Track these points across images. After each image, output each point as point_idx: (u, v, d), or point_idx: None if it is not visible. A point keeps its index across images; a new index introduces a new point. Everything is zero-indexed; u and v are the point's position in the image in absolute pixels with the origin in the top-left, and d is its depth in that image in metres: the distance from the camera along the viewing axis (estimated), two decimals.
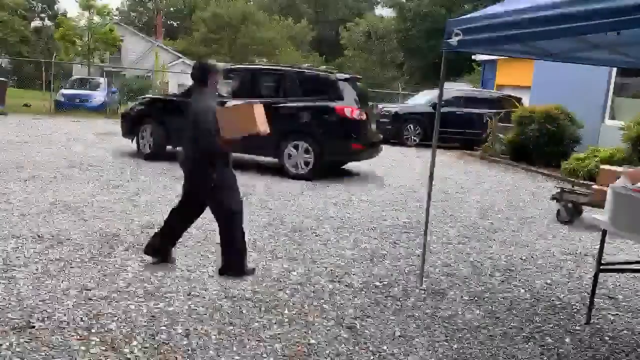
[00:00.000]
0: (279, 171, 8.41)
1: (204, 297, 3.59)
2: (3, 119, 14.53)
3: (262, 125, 3.85)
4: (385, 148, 14.31)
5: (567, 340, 3.40)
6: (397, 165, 10.98)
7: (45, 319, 3.11)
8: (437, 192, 7.83)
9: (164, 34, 45.23)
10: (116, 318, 3.18)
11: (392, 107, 16.11)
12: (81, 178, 7.24)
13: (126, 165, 8.50)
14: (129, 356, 2.79)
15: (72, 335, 2.95)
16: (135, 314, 3.25)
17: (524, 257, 5.11)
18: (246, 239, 4.08)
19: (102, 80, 21.11)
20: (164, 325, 3.14)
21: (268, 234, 5.18)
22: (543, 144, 11.59)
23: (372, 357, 2.99)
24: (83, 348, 2.82)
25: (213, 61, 4.19)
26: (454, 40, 3.58)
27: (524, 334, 3.43)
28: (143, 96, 10.89)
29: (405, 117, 15.44)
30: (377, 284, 4.11)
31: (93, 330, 3.02)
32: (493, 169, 11.64)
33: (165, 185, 7.10)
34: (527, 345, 3.28)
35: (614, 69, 12.10)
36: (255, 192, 7.14)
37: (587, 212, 6.48)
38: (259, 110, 3.86)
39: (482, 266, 4.75)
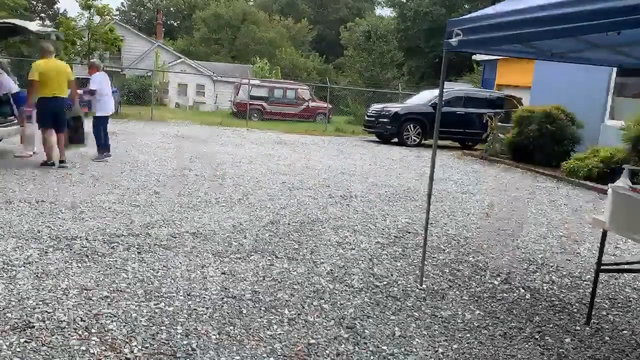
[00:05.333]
0: None
1: (204, 297, 3.59)
2: None
3: None
4: (385, 148, 14.40)
5: (567, 340, 3.40)
6: (397, 165, 10.97)
7: (45, 319, 3.10)
8: (437, 191, 7.84)
9: (164, 34, 45.22)
10: (116, 318, 3.18)
11: (392, 107, 16.12)
12: (81, 178, 7.24)
13: (126, 165, 8.51)
14: (129, 356, 2.78)
15: (72, 335, 2.94)
16: (135, 314, 3.25)
17: (524, 257, 5.11)
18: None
19: None
20: (164, 325, 3.14)
21: (268, 234, 5.18)
22: (543, 144, 11.60)
23: (372, 357, 2.99)
24: (83, 348, 2.82)
25: None
26: (454, 40, 3.58)
27: (524, 334, 3.43)
28: None
29: (405, 117, 15.45)
30: (377, 284, 4.11)
31: (93, 330, 3.01)
32: (493, 168, 11.64)
33: (165, 185, 7.09)
34: (527, 345, 3.27)
35: (614, 69, 12.10)
36: (255, 192, 7.14)
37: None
38: None
39: (482, 266, 4.75)
